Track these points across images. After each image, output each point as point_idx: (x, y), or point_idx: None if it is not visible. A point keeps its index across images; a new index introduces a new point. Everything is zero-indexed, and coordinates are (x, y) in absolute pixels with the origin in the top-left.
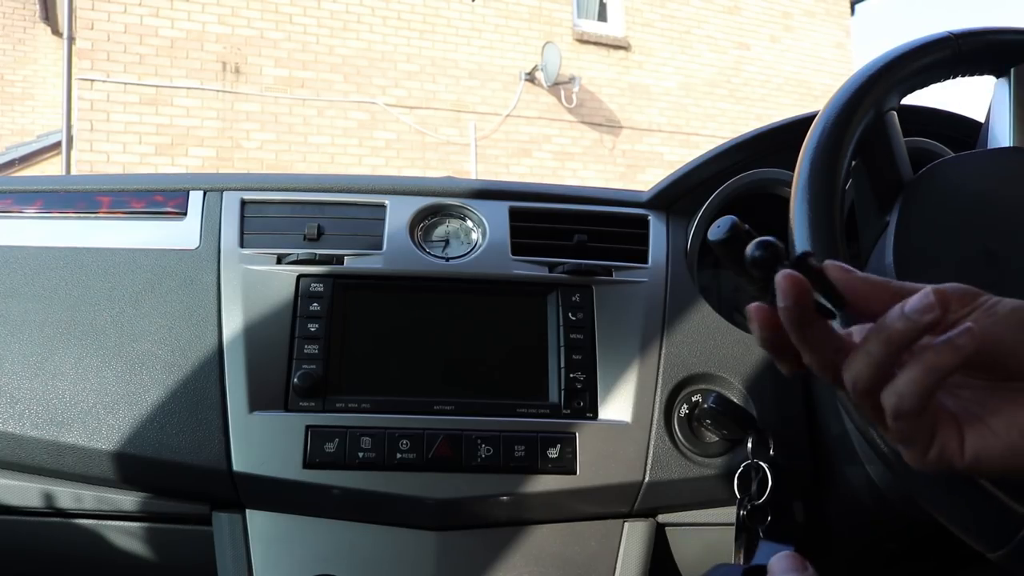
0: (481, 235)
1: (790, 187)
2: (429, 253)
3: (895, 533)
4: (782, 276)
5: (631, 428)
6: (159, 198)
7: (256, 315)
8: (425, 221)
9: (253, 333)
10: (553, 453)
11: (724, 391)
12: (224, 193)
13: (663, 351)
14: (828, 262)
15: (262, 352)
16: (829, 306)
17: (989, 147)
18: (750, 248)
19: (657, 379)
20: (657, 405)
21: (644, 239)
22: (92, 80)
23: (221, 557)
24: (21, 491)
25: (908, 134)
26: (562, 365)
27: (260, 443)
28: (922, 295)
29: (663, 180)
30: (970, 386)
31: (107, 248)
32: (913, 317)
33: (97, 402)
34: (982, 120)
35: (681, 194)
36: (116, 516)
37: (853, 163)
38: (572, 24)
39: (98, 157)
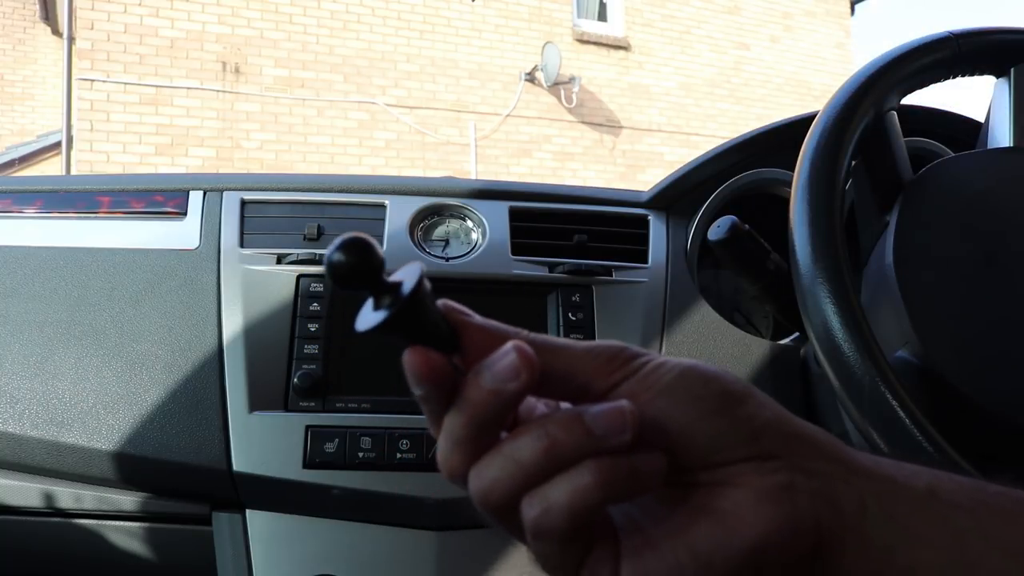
0: (481, 235)
1: (790, 187)
2: (429, 253)
3: None
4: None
5: None
6: (159, 198)
7: (256, 315)
8: (425, 221)
9: (253, 333)
10: None
11: None
12: (224, 193)
13: (663, 351)
14: (443, 302)
15: (262, 352)
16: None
17: (989, 147)
18: (330, 251)
19: None
20: None
21: (644, 239)
22: (92, 80)
23: (221, 557)
24: (21, 491)
25: (908, 134)
26: None
27: (260, 443)
28: (502, 352)
29: (663, 180)
30: None
31: (107, 248)
32: (497, 382)
33: (97, 402)
34: (982, 120)
35: (681, 194)
36: (116, 516)
37: (853, 163)
38: (572, 24)
39: (98, 157)
